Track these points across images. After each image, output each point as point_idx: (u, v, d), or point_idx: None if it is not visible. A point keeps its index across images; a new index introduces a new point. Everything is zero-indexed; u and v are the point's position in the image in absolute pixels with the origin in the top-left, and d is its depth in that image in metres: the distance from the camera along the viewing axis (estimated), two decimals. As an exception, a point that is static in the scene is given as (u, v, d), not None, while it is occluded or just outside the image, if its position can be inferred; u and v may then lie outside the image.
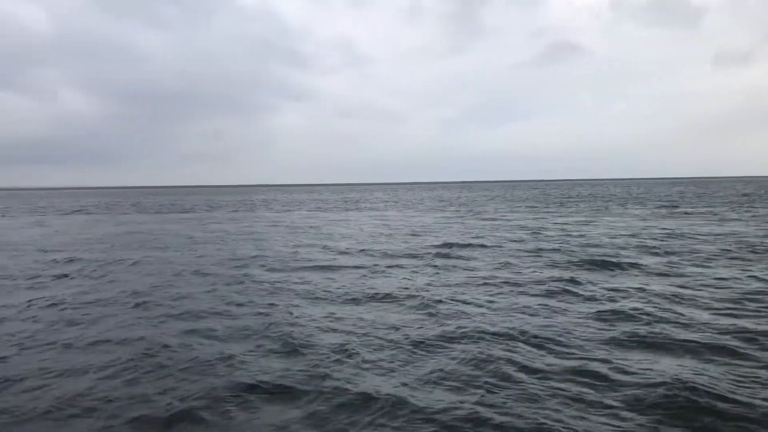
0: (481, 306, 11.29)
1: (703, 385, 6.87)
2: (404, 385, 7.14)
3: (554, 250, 19.35)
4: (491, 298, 11.95)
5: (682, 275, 14.16)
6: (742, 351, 8.22)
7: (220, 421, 6.28)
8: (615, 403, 6.50)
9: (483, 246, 21.06)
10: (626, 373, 7.40)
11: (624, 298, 11.72)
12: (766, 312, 10.38)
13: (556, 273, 14.72)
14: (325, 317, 10.61)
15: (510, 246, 20.87)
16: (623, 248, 19.43)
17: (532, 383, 7.11)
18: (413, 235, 26.37)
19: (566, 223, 30.94)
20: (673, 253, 17.87)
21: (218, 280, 14.73)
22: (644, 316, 10.09)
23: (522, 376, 7.38)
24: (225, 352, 8.46)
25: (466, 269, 15.85)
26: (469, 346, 8.63)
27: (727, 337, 8.90)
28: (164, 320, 10.57)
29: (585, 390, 6.87)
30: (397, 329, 9.69)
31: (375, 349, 8.62)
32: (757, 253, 17.69)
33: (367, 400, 6.74)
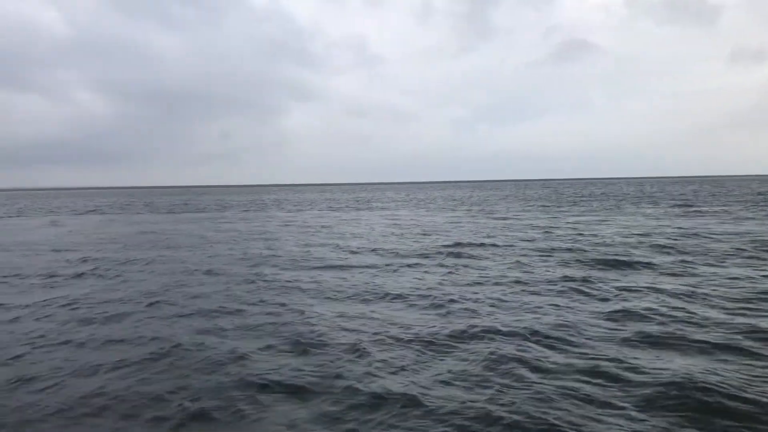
0: (492, 305, 11.26)
1: (715, 384, 6.83)
2: (416, 384, 7.15)
3: (566, 249, 19.26)
4: (502, 298, 11.92)
5: (695, 275, 14.05)
6: (755, 351, 8.16)
7: (232, 420, 6.31)
8: (627, 404, 6.47)
9: (494, 245, 21.02)
10: (638, 372, 7.36)
11: (636, 297, 11.65)
12: (780, 312, 10.28)
13: (567, 272, 14.66)
14: (337, 316, 10.63)
15: (521, 245, 20.80)
16: (636, 247, 19.31)
17: (544, 383, 7.09)
18: (424, 234, 26.35)
19: (578, 223, 30.79)
20: (686, 253, 17.74)
21: (230, 279, 14.80)
22: (656, 316, 10.04)
23: (533, 375, 7.36)
24: (237, 352, 8.50)
25: (477, 269, 15.81)
26: (480, 346, 8.63)
27: (740, 336, 8.82)
28: (176, 320, 10.64)
29: (596, 390, 6.85)
30: (409, 329, 9.69)
31: (386, 349, 8.63)
32: (771, 252, 17.52)
33: (378, 399, 6.75)
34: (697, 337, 8.82)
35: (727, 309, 10.54)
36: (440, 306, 11.31)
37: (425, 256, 18.75)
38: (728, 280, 13.16)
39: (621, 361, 7.78)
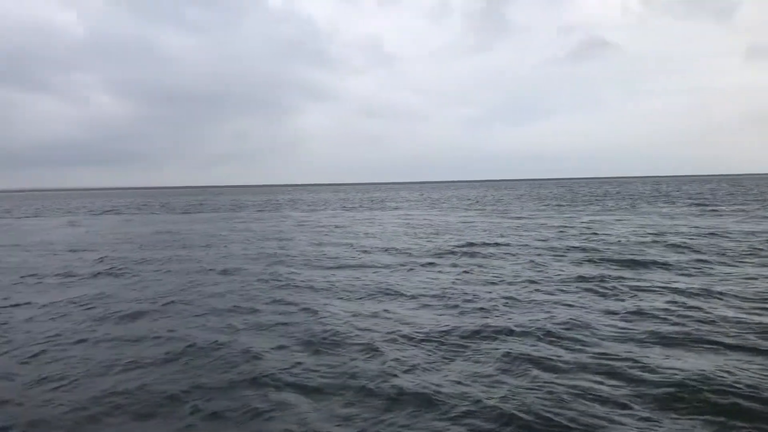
0: (505, 305, 11.24)
1: (730, 384, 6.79)
2: (429, 384, 7.15)
3: (580, 249, 19.17)
4: (516, 297, 11.89)
5: (710, 274, 13.93)
6: (770, 351, 8.10)
7: (245, 420, 6.35)
8: (640, 404, 6.44)
9: (508, 245, 20.97)
10: (652, 372, 7.31)
11: (651, 297, 11.58)
12: (797, 312, 10.18)
13: (581, 272, 14.60)
14: (350, 316, 10.67)
15: (535, 245, 20.72)
16: (651, 247, 19.18)
17: (557, 383, 7.07)
18: (437, 234, 26.33)
19: (593, 222, 30.61)
20: (701, 252, 17.57)
21: (244, 279, 14.90)
22: (671, 316, 9.97)
23: (547, 375, 7.35)
24: (250, 351, 8.56)
25: (490, 268, 15.78)
26: (494, 346, 8.63)
27: (755, 336, 8.75)
28: (191, 319, 10.73)
29: (610, 390, 6.81)
30: (422, 328, 9.70)
31: (399, 348, 8.66)
32: (789, 251, 17.32)
33: (392, 399, 6.78)
34: (712, 337, 8.75)
35: (742, 309, 10.44)
36: (453, 306, 11.31)
37: (439, 255, 18.75)
38: (744, 280, 13.04)
39: (635, 361, 7.74)
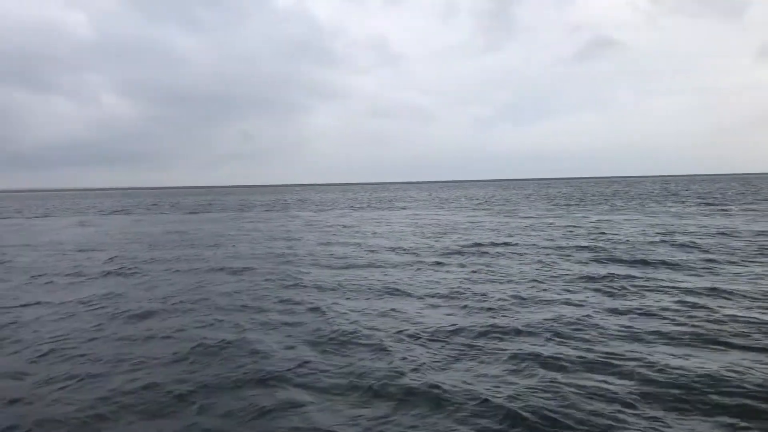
0: (513, 304, 11.23)
1: (737, 384, 6.78)
2: (436, 384, 7.14)
3: (588, 248, 19.10)
4: (523, 297, 11.87)
5: (718, 274, 13.86)
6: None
7: (253, 419, 6.37)
8: (648, 403, 6.42)
9: (516, 245, 20.94)
10: (660, 372, 7.28)
11: (658, 296, 11.53)
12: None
13: (589, 271, 14.56)
14: (358, 315, 10.68)
15: (543, 245, 20.68)
16: (659, 246, 19.10)
17: (565, 382, 7.05)
18: (445, 234, 26.32)
19: (601, 221, 30.50)
20: (710, 252, 17.48)
21: (253, 278, 14.95)
22: (678, 316, 9.94)
23: (554, 375, 7.33)
24: (259, 350, 8.60)
25: (498, 268, 15.76)
26: (501, 345, 8.63)
27: (761, 335, 8.73)
28: (199, 318, 10.77)
29: (618, 389, 6.79)
30: (429, 327, 9.71)
31: (407, 347, 8.66)
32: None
33: (400, 398, 6.80)
34: (720, 336, 8.72)
35: (751, 308, 10.39)
36: (461, 305, 11.32)
37: (446, 255, 18.74)
38: (753, 280, 12.98)
39: (642, 361, 7.72)
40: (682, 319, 9.72)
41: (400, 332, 9.49)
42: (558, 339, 8.86)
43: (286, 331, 9.78)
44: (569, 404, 6.43)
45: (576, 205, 49.65)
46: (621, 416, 6.12)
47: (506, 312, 10.67)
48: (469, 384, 7.15)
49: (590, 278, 13.66)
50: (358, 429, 6.07)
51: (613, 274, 14.10)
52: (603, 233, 24.00)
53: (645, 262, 15.71)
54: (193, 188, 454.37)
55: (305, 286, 13.66)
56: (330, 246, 22.17)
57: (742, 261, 15.63)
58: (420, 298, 12.17)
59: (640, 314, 10.18)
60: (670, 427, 5.89)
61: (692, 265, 15.18)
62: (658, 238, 21.35)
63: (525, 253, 18.49)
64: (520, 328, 9.48)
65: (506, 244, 21.26)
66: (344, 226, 32.21)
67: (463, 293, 12.36)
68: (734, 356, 7.91)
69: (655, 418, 6.07)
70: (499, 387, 7.03)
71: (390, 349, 8.58)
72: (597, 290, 12.36)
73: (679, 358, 7.86)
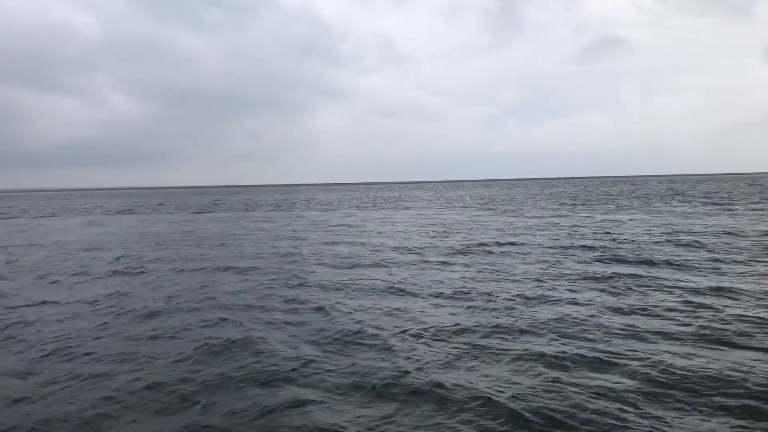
0: (517, 304, 11.21)
1: (741, 383, 6.77)
2: (440, 383, 7.14)
3: (593, 247, 19.06)
4: (527, 296, 11.84)
5: (723, 273, 13.82)
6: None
7: (257, 418, 6.39)
8: (652, 402, 6.40)
9: (521, 244, 20.91)
10: (663, 371, 7.27)
11: (663, 295, 11.49)
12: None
13: (594, 270, 14.53)
14: (362, 314, 10.69)
15: (548, 244, 20.65)
16: (664, 245, 19.04)
17: (568, 381, 7.04)
18: (450, 233, 26.31)
19: (606, 221, 30.43)
20: (715, 251, 17.42)
21: (258, 278, 14.98)
22: (682, 315, 9.92)
23: (558, 374, 7.33)
24: (263, 349, 8.62)
25: (502, 268, 15.75)
26: (506, 344, 8.62)
27: (764, 335, 8.71)
28: (203, 317, 10.79)
29: (621, 388, 6.78)
30: (433, 327, 9.71)
31: (411, 347, 8.66)
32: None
33: (404, 397, 6.81)
34: (724, 336, 8.70)
35: (754, 308, 10.36)
36: (465, 305, 11.31)
37: (451, 255, 18.73)
38: (757, 279, 12.94)
39: (646, 360, 7.70)
40: (687, 319, 9.70)
41: (404, 332, 9.50)
42: (562, 339, 8.85)
43: (290, 330, 9.81)
44: (573, 404, 6.42)
45: (581, 204, 49.53)
46: (625, 416, 6.10)
47: (511, 312, 10.66)
48: (473, 383, 7.15)
49: (595, 278, 13.63)
50: (362, 428, 6.07)
51: (618, 273, 14.07)
52: (608, 233, 23.95)
53: (650, 262, 15.67)
54: (199, 188, 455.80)
55: (310, 286, 13.68)
56: (335, 246, 22.20)
57: (748, 261, 15.57)
58: (424, 297, 12.17)
59: (644, 314, 10.16)
60: (673, 427, 5.88)
61: (697, 264, 15.13)
62: (663, 238, 21.28)
63: (530, 253, 18.47)
64: (524, 327, 9.48)
65: (511, 243, 21.24)
66: (349, 226, 32.24)
67: (468, 293, 12.36)
68: (738, 356, 7.88)
69: (659, 418, 6.05)
70: (503, 386, 7.03)
71: (394, 348, 8.58)
72: (602, 290, 12.33)
73: (684, 357, 7.84)
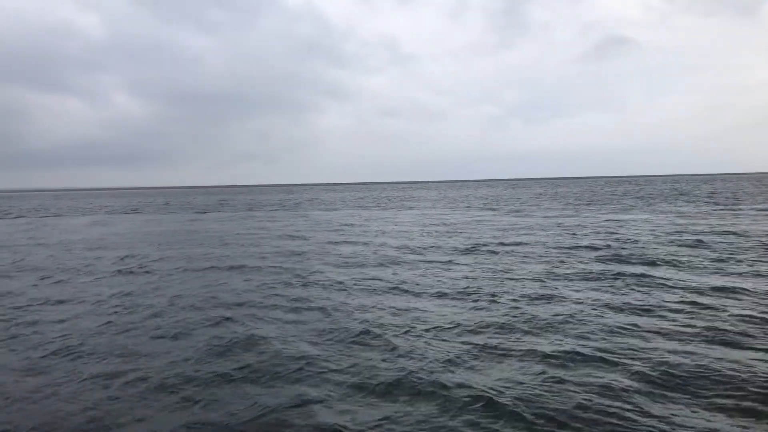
0: (520, 303, 11.21)
1: (743, 383, 6.77)
2: (443, 381, 7.17)
3: (596, 247, 19.05)
4: (530, 295, 11.84)
5: (726, 273, 13.79)
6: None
7: (258, 416, 6.42)
8: (653, 401, 6.41)
9: (524, 244, 20.91)
10: (665, 371, 7.27)
11: (665, 294, 11.49)
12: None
13: (597, 269, 14.52)
14: (365, 313, 10.70)
15: (551, 243, 20.65)
16: (667, 245, 19.00)
17: (570, 380, 7.05)
18: (453, 233, 26.32)
19: (610, 221, 30.39)
20: (717, 251, 17.39)
21: (261, 277, 15.02)
22: (684, 314, 9.92)
23: (559, 372, 7.34)
24: (265, 348, 8.66)
25: (505, 267, 15.75)
26: (508, 344, 8.63)
27: (764, 334, 8.72)
28: (206, 316, 10.82)
29: (623, 387, 6.78)
30: (436, 325, 9.73)
31: (414, 346, 8.67)
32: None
33: (406, 397, 6.83)
34: (726, 336, 8.69)
35: (757, 307, 10.35)
36: (468, 304, 11.32)
37: (454, 254, 18.74)
38: (759, 279, 12.92)
39: (648, 360, 7.70)
40: (690, 319, 9.70)
41: (407, 331, 9.52)
42: (565, 338, 8.85)
43: (293, 329, 9.84)
44: (575, 404, 6.43)
45: (586, 204, 49.46)
46: (627, 415, 6.11)
47: (514, 311, 10.67)
48: (476, 384, 7.15)
49: (598, 277, 13.63)
50: (364, 428, 6.09)
51: (622, 273, 14.07)
52: (612, 233, 23.92)
53: (653, 262, 15.65)
54: (205, 188, 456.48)
55: (313, 285, 13.71)
56: (338, 245, 22.23)
57: (752, 261, 15.53)
58: (427, 297, 12.19)
59: (647, 314, 10.16)
60: (676, 426, 5.88)
61: (701, 265, 15.11)
62: (667, 238, 21.25)
63: (533, 253, 18.46)
64: (527, 327, 9.49)
65: (515, 243, 21.24)
66: (353, 225, 32.28)
67: (471, 293, 12.37)
68: (741, 356, 7.87)
69: (662, 418, 6.06)
70: (505, 387, 7.04)
71: (397, 348, 8.60)
72: (605, 289, 12.32)
73: (687, 357, 7.83)
